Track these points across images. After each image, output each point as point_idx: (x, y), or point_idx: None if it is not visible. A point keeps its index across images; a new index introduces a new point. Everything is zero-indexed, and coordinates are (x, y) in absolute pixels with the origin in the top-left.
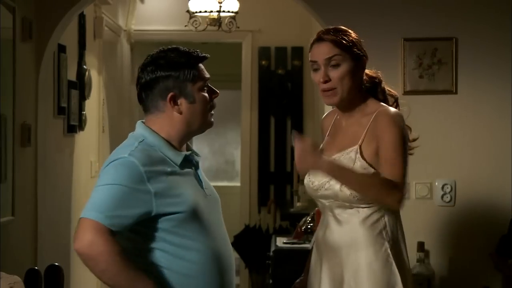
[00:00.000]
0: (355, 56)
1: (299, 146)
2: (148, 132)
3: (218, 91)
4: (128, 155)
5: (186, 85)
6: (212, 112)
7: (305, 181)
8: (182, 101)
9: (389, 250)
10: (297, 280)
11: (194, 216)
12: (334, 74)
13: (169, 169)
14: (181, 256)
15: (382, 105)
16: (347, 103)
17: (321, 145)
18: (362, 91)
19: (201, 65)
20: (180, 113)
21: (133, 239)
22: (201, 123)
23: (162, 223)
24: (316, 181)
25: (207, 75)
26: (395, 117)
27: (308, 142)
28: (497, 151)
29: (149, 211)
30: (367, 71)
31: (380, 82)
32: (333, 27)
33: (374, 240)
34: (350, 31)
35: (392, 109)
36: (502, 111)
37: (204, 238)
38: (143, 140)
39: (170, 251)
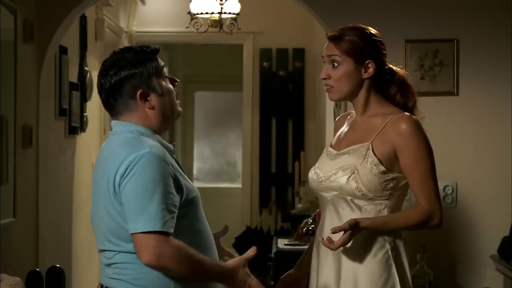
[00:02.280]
0: (358, 59)
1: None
2: (140, 127)
3: (177, 79)
4: (148, 149)
5: (151, 79)
6: (178, 100)
7: (310, 174)
8: (151, 97)
9: (390, 252)
10: (284, 275)
11: (198, 200)
12: (333, 73)
13: (172, 159)
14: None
15: (398, 109)
16: (360, 101)
17: (332, 141)
18: (377, 91)
19: (158, 57)
20: (152, 108)
21: None
22: (172, 113)
23: (181, 210)
24: (322, 173)
25: (163, 62)
26: (416, 126)
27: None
28: (498, 152)
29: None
30: (396, 68)
31: (405, 82)
32: (346, 26)
33: (375, 240)
34: (364, 32)
35: (410, 115)
36: (503, 112)
37: (203, 220)
38: (141, 134)
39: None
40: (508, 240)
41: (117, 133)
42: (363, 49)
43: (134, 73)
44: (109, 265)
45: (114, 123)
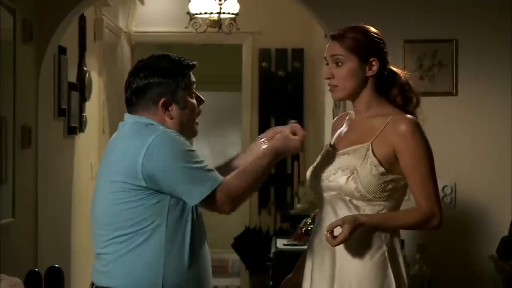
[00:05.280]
0: (362, 57)
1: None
2: (154, 121)
3: (203, 99)
4: (163, 130)
5: (178, 91)
6: (197, 121)
7: (308, 172)
8: (173, 107)
9: (386, 254)
10: (284, 280)
11: None
12: (337, 72)
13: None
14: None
15: (398, 110)
16: (362, 101)
17: (331, 141)
18: (379, 91)
19: (191, 73)
20: (171, 118)
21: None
22: (188, 130)
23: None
24: (320, 173)
25: (194, 79)
26: (416, 127)
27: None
28: (497, 152)
29: None
30: (398, 70)
31: (407, 84)
32: (348, 26)
33: (371, 242)
34: (367, 30)
35: (410, 116)
36: (502, 113)
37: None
38: (153, 124)
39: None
40: (507, 240)
41: (127, 124)
42: (367, 47)
43: (162, 81)
44: (99, 254)
45: (127, 115)
